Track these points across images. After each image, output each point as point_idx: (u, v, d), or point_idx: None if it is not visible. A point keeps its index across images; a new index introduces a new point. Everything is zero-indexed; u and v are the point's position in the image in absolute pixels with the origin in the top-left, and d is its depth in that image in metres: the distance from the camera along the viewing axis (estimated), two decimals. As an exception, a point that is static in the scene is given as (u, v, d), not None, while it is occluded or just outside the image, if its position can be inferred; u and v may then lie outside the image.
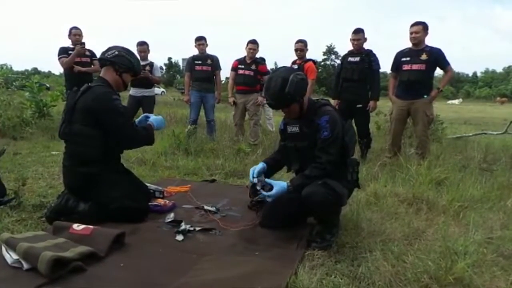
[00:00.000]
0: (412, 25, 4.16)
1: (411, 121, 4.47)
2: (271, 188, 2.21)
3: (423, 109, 4.16)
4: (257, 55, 5.51)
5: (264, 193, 2.22)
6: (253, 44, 5.37)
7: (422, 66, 4.12)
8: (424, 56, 4.12)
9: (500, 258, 2.04)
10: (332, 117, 2.22)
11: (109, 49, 2.65)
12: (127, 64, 2.61)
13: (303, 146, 2.31)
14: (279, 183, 2.22)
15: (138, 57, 2.83)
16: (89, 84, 2.55)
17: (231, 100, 5.62)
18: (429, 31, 4.20)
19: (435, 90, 4.19)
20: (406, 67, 4.23)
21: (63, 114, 2.54)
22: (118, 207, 2.39)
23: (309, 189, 2.10)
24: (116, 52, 2.60)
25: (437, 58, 4.12)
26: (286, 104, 2.24)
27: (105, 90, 2.50)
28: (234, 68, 5.48)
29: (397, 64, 4.36)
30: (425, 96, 4.17)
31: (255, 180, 2.33)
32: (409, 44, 4.29)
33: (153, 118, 2.78)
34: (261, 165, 2.45)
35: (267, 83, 2.27)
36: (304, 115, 2.31)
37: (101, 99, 2.43)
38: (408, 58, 4.23)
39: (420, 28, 4.11)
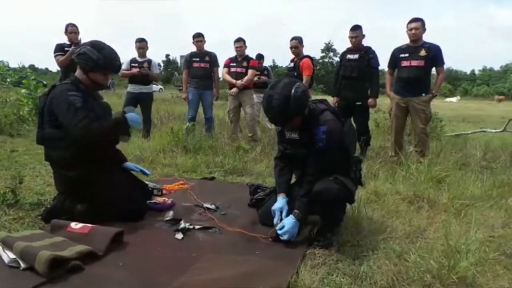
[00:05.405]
0: (411, 22, 4.13)
1: (409, 118, 4.47)
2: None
3: (421, 107, 4.15)
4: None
5: (279, 231, 2.13)
6: (238, 42, 5.42)
7: (421, 62, 4.10)
8: (423, 52, 4.09)
9: (503, 257, 2.03)
10: (330, 127, 2.16)
11: (82, 45, 2.43)
12: (91, 62, 2.32)
13: (303, 153, 2.27)
14: (289, 221, 2.13)
15: (112, 50, 2.44)
16: (55, 83, 2.41)
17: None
18: (426, 30, 4.16)
19: (430, 95, 4.18)
20: (405, 63, 4.20)
21: (37, 119, 2.35)
22: (116, 210, 2.35)
23: (322, 185, 2.08)
24: (82, 50, 2.35)
25: (436, 54, 4.09)
26: (290, 120, 2.18)
27: (63, 88, 2.31)
28: (227, 65, 5.56)
29: (395, 60, 4.32)
30: (423, 95, 4.16)
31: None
32: (404, 42, 4.27)
33: (129, 115, 2.48)
34: (284, 203, 2.26)
35: (267, 101, 2.14)
36: (305, 124, 2.25)
37: (56, 97, 2.28)
38: (407, 55, 4.19)
39: (419, 25, 4.08)
